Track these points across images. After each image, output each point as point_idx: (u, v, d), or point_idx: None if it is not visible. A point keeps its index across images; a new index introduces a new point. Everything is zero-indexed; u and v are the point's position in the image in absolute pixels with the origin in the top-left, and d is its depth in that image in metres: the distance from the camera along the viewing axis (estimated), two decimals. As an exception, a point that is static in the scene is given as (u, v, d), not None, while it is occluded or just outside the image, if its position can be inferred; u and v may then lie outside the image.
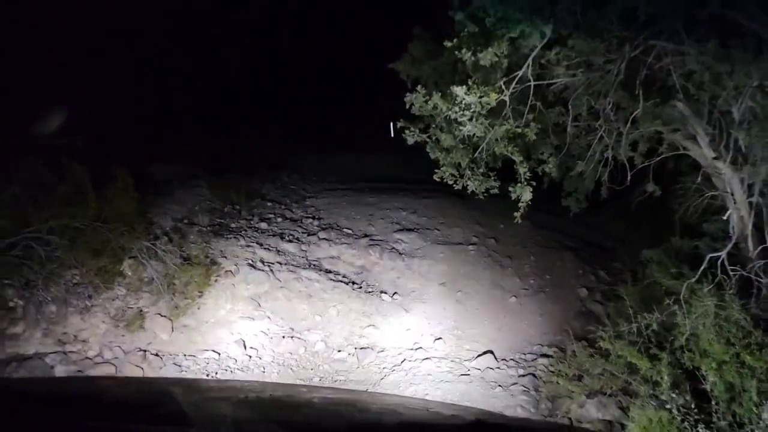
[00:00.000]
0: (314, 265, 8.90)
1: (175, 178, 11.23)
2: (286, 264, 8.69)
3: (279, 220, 10.24)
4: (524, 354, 7.30)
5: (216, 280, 8.00)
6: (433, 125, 6.27)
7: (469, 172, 6.52)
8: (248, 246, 8.93)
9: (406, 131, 6.32)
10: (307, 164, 15.71)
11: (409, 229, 10.30)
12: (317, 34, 22.68)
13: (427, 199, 11.77)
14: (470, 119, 5.76)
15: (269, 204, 11.03)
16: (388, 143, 17.02)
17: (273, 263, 8.62)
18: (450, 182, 6.56)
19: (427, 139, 6.40)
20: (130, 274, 7.70)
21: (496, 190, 6.50)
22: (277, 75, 21.37)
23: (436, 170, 6.59)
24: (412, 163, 17.62)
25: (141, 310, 7.46)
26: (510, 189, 6.36)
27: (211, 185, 10.78)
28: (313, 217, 10.51)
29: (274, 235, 9.51)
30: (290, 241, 9.41)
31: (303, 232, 9.81)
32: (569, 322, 7.71)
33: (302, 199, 11.59)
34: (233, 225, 9.80)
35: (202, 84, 17.83)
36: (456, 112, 5.76)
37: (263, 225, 9.90)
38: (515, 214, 6.39)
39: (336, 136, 19.40)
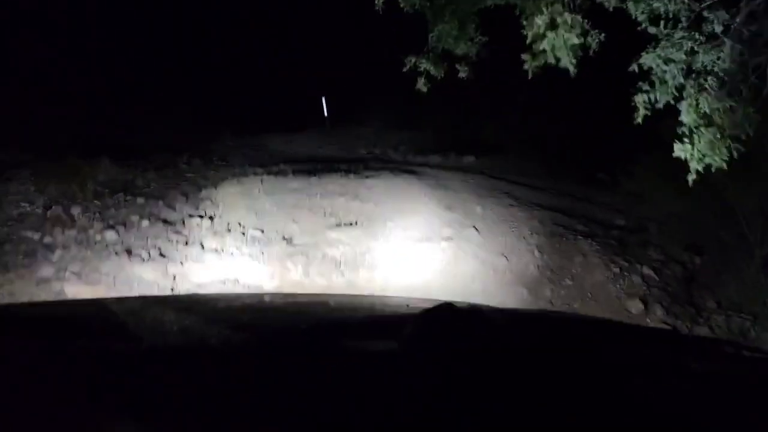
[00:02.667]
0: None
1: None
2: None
3: (144, 224, 6.40)
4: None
5: None
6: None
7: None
8: (58, 279, 5.07)
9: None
10: (221, 147, 11.89)
11: (350, 224, 6.61)
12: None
13: (372, 179, 8.11)
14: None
15: (139, 200, 7.14)
16: (321, 121, 13.61)
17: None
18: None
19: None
20: None
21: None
22: (194, 50, 17.47)
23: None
24: (351, 139, 14.36)
25: None
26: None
27: (39, 176, 6.82)
28: (204, 216, 6.69)
29: (117, 254, 5.62)
30: (145, 259, 5.57)
31: (176, 242, 6.00)
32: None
33: (196, 190, 7.75)
34: (48, 240, 5.86)
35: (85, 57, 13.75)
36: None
37: (110, 235, 6.02)
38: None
39: (263, 115, 15.90)
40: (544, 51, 3.61)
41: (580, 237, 6.49)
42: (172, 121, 13.56)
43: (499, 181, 8.95)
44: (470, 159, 10.64)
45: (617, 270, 5.73)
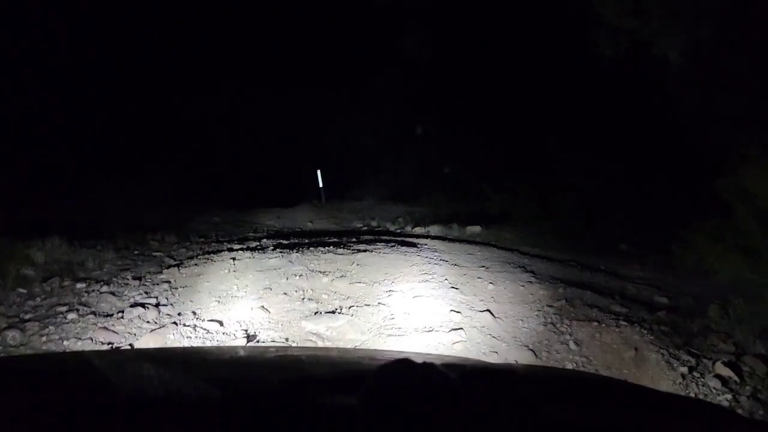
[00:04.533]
0: None
1: None
2: None
3: (69, 317, 4.83)
4: None
5: None
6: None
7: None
8: None
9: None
10: (203, 224, 10.51)
11: (333, 311, 5.07)
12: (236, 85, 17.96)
13: (364, 254, 6.63)
14: None
15: (78, 286, 5.63)
16: (316, 196, 12.33)
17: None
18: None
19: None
20: None
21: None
22: (184, 123, 16.46)
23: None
24: (345, 212, 12.97)
25: None
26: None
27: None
28: (151, 305, 5.14)
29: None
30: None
31: (99, 343, 4.42)
32: None
33: (155, 272, 6.25)
34: None
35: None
36: None
37: (11, 336, 4.42)
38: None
39: (254, 191, 14.99)
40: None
41: (624, 322, 4.94)
42: (154, 197, 12.32)
43: (511, 253, 7.47)
44: (476, 229, 9.19)
45: (685, 370, 4.14)
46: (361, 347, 4.45)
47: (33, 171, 11.53)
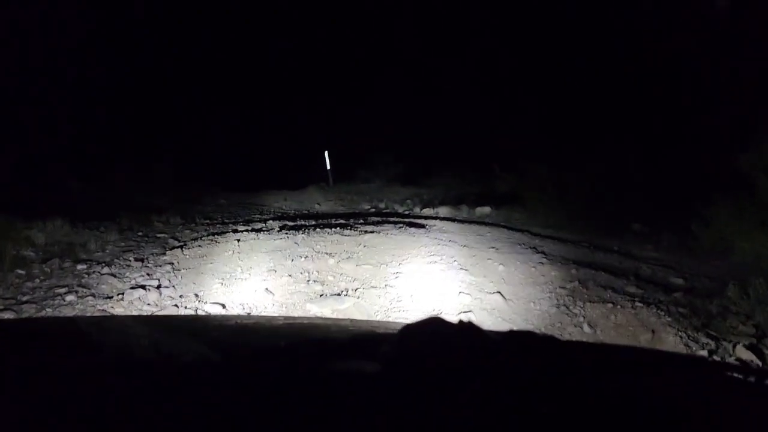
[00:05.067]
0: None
1: None
2: None
3: (68, 299, 4.72)
4: None
5: None
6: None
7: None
8: None
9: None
10: (210, 206, 10.36)
11: (338, 294, 4.93)
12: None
13: (371, 236, 6.47)
14: None
15: (79, 267, 5.51)
16: (324, 178, 12.15)
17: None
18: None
19: None
20: None
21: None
22: (191, 105, 16.30)
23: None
24: (353, 194, 12.80)
25: None
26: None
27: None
28: (152, 286, 5.01)
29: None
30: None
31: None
32: None
33: (158, 253, 6.12)
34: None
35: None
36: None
37: (6, 318, 4.32)
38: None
39: (262, 173, 14.82)
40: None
41: (639, 304, 4.76)
42: (161, 180, 12.19)
43: (521, 234, 7.29)
44: (485, 210, 9.00)
45: (704, 354, 3.96)
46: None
47: (39, 154, 11.40)
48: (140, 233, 7.28)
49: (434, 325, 1.18)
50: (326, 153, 14.66)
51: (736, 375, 1.53)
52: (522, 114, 12.61)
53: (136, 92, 15.01)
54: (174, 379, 1.14)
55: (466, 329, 1.16)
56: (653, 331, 4.23)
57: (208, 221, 8.56)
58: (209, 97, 16.77)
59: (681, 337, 4.15)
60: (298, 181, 13.90)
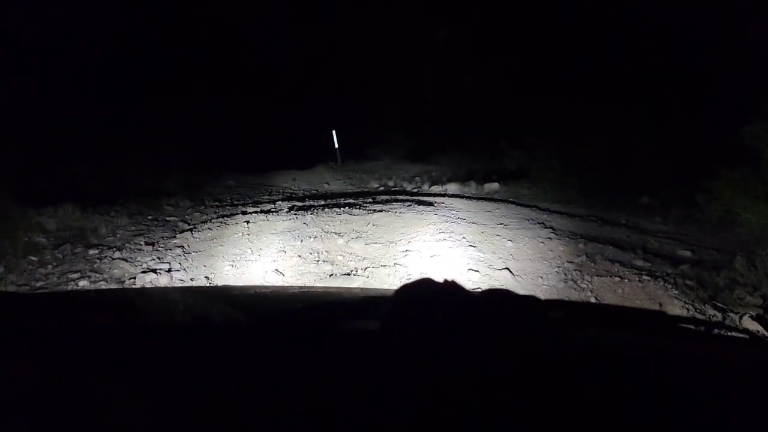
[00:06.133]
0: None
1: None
2: None
3: (81, 284, 4.78)
4: None
5: None
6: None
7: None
8: None
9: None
10: (219, 187, 10.40)
11: (348, 273, 4.98)
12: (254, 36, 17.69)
13: (380, 215, 6.51)
14: None
15: (91, 252, 5.59)
16: (332, 157, 12.16)
17: None
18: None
19: None
20: None
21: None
22: (199, 87, 16.29)
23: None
24: (362, 173, 12.80)
25: None
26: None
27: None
28: (163, 270, 5.08)
29: None
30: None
31: None
32: None
33: (169, 237, 6.19)
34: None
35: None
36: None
37: None
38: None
39: (270, 153, 14.82)
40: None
41: (647, 277, 4.78)
42: (169, 163, 12.22)
43: (530, 210, 7.29)
44: (494, 186, 8.99)
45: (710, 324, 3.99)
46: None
47: (48, 141, 11.45)
48: (150, 217, 7.35)
49: (424, 285, 1.28)
50: (333, 132, 14.65)
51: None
52: (529, 87, 12.50)
53: (144, 76, 15.00)
54: (202, 340, 1.23)
55: (451, 287, 1.27)
56: (660, 304, 4.26)
57: (217, 203, 8.61)
58: (218, 79, 16.73)
59: (687, 309, 4.18)
60: (306, 160, 13.91)
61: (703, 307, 4.25)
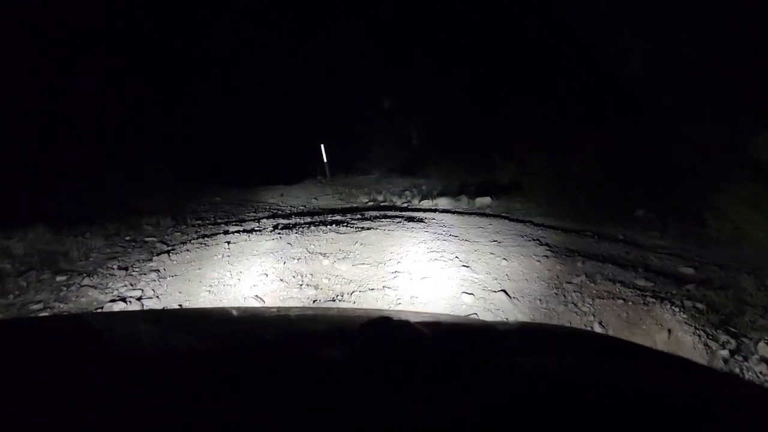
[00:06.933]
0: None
1: None
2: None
3: (44, 315, 4.39)
4: None
5: None
6: None
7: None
8: None
9: None
10: (203, 204, 10.03)
11: (333, 299, 4.61)
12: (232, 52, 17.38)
13: (368, 232, 6.17)
14: None
15: (58, 279, 5.20)
16: (321, 171, 11.80)
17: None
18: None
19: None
20: None
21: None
22: (185, 99, 15.94)
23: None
24: (350, 188, 12.44)
25: None
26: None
27: None
28: (133, 298, 4.69)
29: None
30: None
31: None
32: None
33: (145, 260, 5.81)
34: None
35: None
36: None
37: None
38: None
39: (258, 168, 14.57)
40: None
41: (652, 299, 4.44)
42: (155, 178, 11.86)
43: (524, 225, 6.96)
44: (485, 201, 8.67)
45: (725, 353, 3.64)
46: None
47: (27, 157, 11.06)
48: (128, 238, 6.96)
49: (383, 322, 1.44)
50: (322, 146, 14.33)
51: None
52: (519, 97, 12.19)
53: (128, 89, 14.64)
54: (165, 370, 1.22)
55: (406, 326, 1.45)
56: (669, 330, 3.91)
57: (200, 222, 8.23)
58: (204, 93, 16.40)
59: (699, 336, 3.83)
60: (295, 175, 13.61)
61: (715, 332, 3.91)
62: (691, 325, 3.97)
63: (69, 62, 13.30)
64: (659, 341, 3.86)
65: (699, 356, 3.65)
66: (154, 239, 6.91)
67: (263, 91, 17.45)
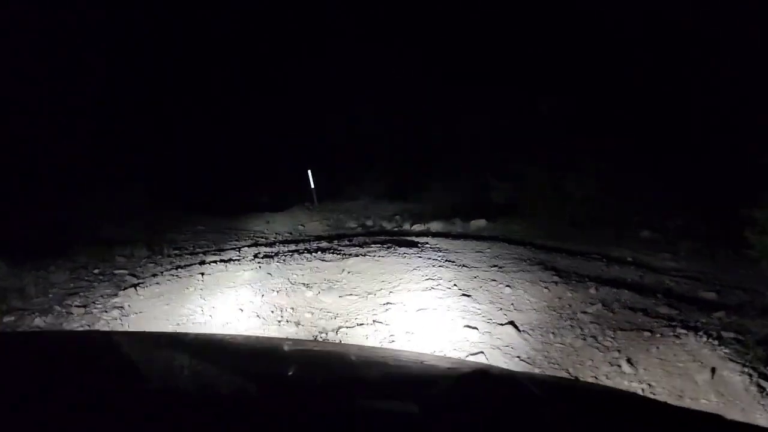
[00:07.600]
0: None
1: None
2: None
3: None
4: None
5: None
6: None
7: None
8: None
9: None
10: (185, 233, 9.37)
11: (315, 336, 3.96)
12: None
13: (356, 259, 5.53)
14: None
15: (6, 320, 4.51)
16: (308, 198, 11.18)
17: None
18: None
19: None
20: None
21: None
22: (169, 128, 15.36)
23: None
24: (339, 213, 11.82)
25: None
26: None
27: None
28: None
29: None
30: None
31: None
32: None
33: (112, 294, 5.15)
34: None
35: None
36: None
37: None
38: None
39: (244, 195, 14.01)
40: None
41: (682, 330, 3.82)
42: (136, 205, 11.20)
43: (524, 248, 6.35)
44: (481, 223, 8.07)
45: (786, 397, 3.02)
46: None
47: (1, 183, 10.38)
48: (96, 270, 6.29)
49: (479, 375, 1.45)
50: (309, 172, 13.77)
51: None
52: (515, 112, 11.65)
53: (109, 110, 14.06)
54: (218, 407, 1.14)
55: (512, 382, 1.41)
56: (713, 369, 3.28)
57: (177, 252, 7.56)
58: (190, 118, 15.85)
59: (748, 375, 3.20)
60: (283, 201, 13.00)
61: (764, 370, 3.28)
62: (736, 362, 3.34)
63: (35, 83, 12.68)
64: (701, 382, 3.22)
65: (752, 399, 3.02)
66: (125, 271, 6.24)
67: (253, 118, 16.91)
